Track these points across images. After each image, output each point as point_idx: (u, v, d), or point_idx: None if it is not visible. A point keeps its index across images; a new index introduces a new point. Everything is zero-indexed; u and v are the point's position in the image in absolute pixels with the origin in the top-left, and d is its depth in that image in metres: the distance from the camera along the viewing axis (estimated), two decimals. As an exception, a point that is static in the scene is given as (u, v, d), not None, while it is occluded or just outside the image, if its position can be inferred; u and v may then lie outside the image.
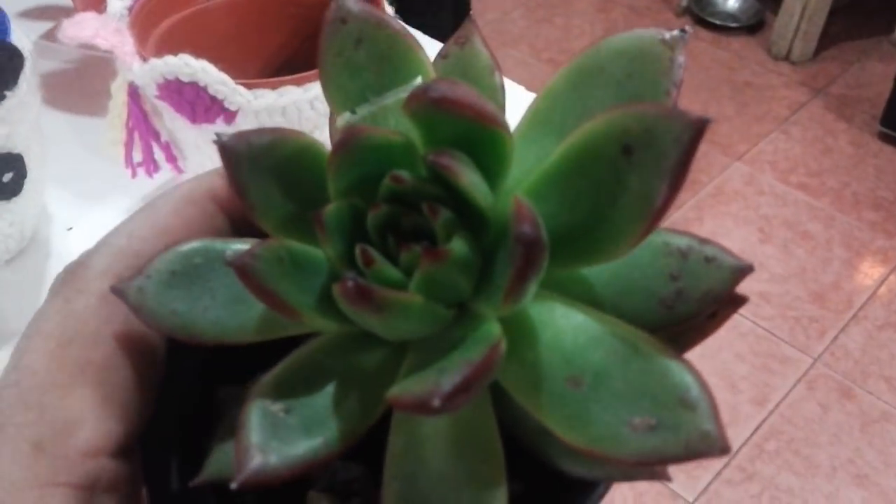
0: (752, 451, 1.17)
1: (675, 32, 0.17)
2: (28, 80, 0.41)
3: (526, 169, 0.17)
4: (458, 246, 0.15)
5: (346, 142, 0.16)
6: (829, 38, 1.85)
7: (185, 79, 0.40)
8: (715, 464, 1.15)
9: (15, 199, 0.43)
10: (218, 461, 0.17)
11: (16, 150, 0.42)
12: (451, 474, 0.16)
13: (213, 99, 0.40)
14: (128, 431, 0.18)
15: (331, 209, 0.16)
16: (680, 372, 0.15)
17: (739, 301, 0.17)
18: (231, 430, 0.16)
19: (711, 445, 0.14)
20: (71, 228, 0.48)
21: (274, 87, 0.40)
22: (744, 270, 0.17)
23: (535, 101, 0.18)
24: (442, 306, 0.16)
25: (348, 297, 0.14)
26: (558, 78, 0.18)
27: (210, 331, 0.17)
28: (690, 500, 1.12)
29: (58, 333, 0.17)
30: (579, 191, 0.16)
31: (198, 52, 0.40)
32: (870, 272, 1.42)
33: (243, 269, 0.15)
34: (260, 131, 0.16)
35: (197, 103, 0.40)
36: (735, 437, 1.18)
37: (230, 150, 0.16)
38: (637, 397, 0.14)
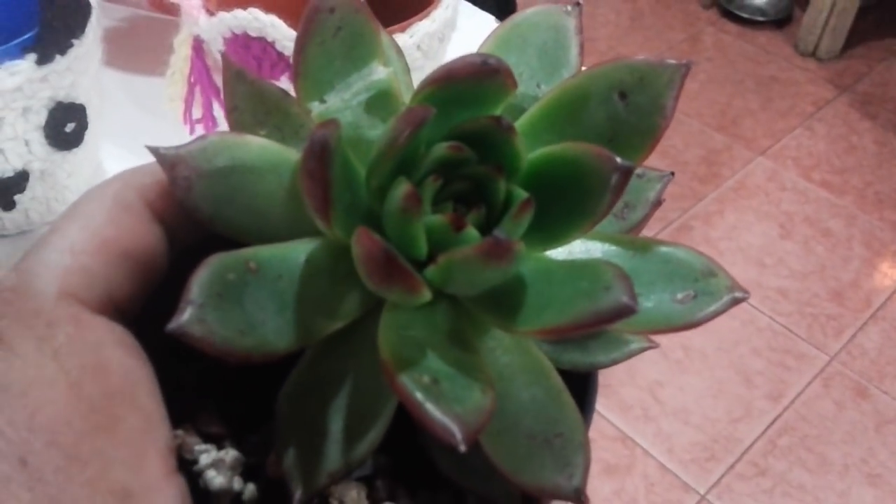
0: (765, 447, 1.17)
1: (572, 6, 0.21)
2: (94, 31, 0.41)
3: None
4: (525, 194, 0.18)
5: (416, 121, 0.16)
6: (856, 36, 1.84)
7: (253, 33, 0.39)
8: (727, 457, 1.16)
9: (75, 151, 0.43)
10: (313, 473, 0.18)
11: (78, 101, 0.42)
12: (534, 395, 0.18)
13: (280, 55, 0.40)
14: (174, 443, 0.17)
15: (416, 186, 0.17)
16: (689, 253, 0.19)
17: (661, 202, 0.22)
18: (295, 443, 0.18)
19: (738, 296, 0.18)
20: (125, 184, 0.48)
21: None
22: (667, 178, 0.21)
23: None
24: None
25: (489, 253, 0.16)
26: (489, 46, 0.21)
27: (280, 343, 0.17)
28: (702, 492, 1.12)
29: (62, 377, 0.15)
30: (574, 131, 0.19)
31: (264, 8, 0.40)
32: (890, 272, 1.42)
33: (387, 258, 0.15)
34: (324, 126, 0.16)
35: (263, 59, 0.40)
36: (748, 431, 1.18)
37: (326, 146, 0.15)
38: (671, 281, 0.18)
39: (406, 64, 0.21)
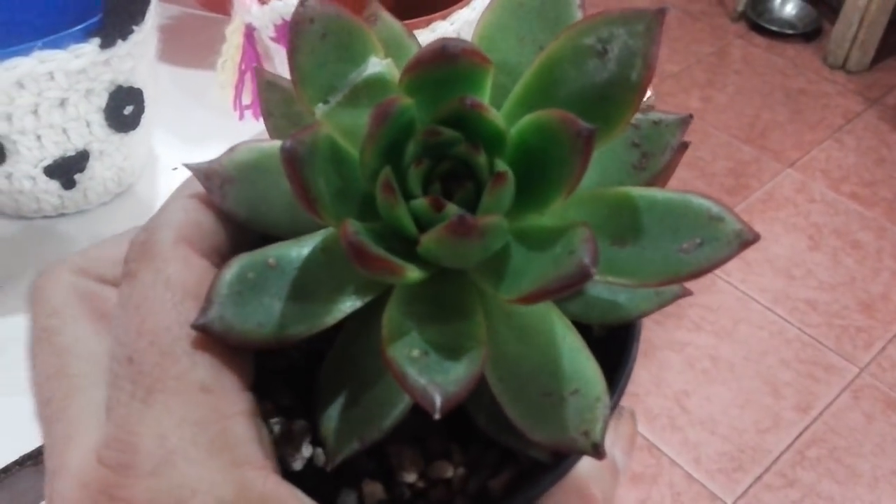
0: (793, 458, 1.16)
1: None
2: (152, 18, 0.43)
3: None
4: (504, 167, 0.18)
5: (385, 113, 0.17)
6: (886, 49, 1.84)
7: (303, 21, 0.41)
8: (755, 468, 1.15)
9: (131, 133, 0.45)
10: (345, 439, 0.19)
11: (136, 85, 0.44)
12: (548, 354, 0.19)
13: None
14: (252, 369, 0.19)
15: (405, 170, 0.18)
16: (695, 199, 0.18)
17: (686, 146, 0.21)
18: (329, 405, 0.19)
19: (747, 239, 0.17)
20: (176, 168, 0.50)
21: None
22: (685, 121, 0.21)
23: (475, 40, 0.21)
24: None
25: (456, 232, 0.17)
26: (487, 19, 0.21)
27: (297, 330, 0.18)
28: (729, 502, 1.11)
29: (169, 297, 0.18)
30: (564, 95, 0.19)
31: None
32: (920, 285, 1.40)
33: (359, 251, 0.17)
34: (301, 133, 0.18)
35: (312, 46, 0.41)
36: (777, 442, 1.18)
37: (294, 153, 0.17)
38: (676, 230, 0.18)
39: (415, 45, 0.22)
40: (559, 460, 0.19)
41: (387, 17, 0.21)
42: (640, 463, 1.15)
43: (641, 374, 1.25)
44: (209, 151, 0.56)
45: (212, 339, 0.18)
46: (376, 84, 0.19)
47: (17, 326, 0.41)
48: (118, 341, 0.18)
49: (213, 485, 0.17)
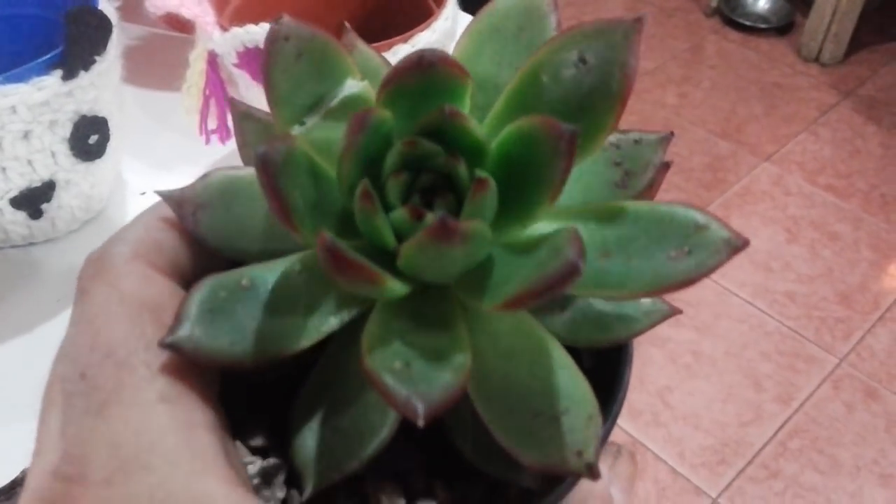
0: (776, 449, 1.18)
1: None
2: (115, 48, 0.43)
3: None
4: (485, 174, 0.18)
5: (362, 122, 0.17)
6: (859, 41, 1.85)
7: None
8: (738, 461, 1.16)
9: (97, 161, 0.45)
10: (321, 470, 0.18)
11: (101, 114, 0.44)
12: (537, 373, 0.18)
13: (291, 68, 0.42)
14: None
15: (383, 182, 0.18)
16: (680, 209, 0.18)
17: (668, 165, 0.21)
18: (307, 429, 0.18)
19: (735, 245, 0.17)
20: (144, 193, 0.50)
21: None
22: (666, 139, 0.21)
23: None
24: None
25: (437, 236, 0.16)
26: (463, 44, 0.21)
27: (272, 350, 0.18)
28: (714, 496, 1.12)
29: (124, 311, 0.18)
30: (544, 107, 0.18)
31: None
32: (897, 274, 1.42)
33: (337, 257, 0.16)
34: (276, 140, 0.17)
35: (275, 72, 0.42)
36: (759, 434, 1.19)
37: (268, 158, 0.17)
38: (662, 240, 0.18)
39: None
40: (551, 487, 0.19)
41: (363, 47, 0.21)
42: (624, 459, 1.16)
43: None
44: (177, 175, 0.57)
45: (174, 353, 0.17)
46: (353, 104, 0.19)
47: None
48: (69, 358, 0.18)
49: (170, 494, 0.16)
